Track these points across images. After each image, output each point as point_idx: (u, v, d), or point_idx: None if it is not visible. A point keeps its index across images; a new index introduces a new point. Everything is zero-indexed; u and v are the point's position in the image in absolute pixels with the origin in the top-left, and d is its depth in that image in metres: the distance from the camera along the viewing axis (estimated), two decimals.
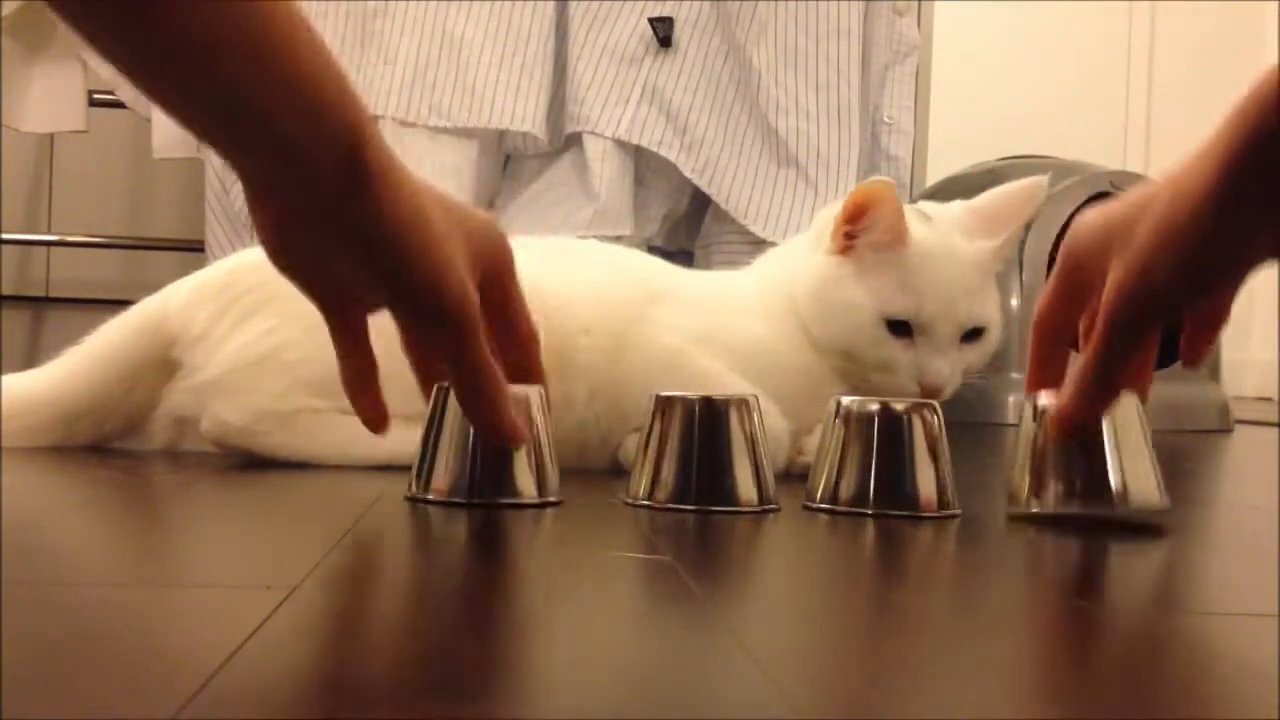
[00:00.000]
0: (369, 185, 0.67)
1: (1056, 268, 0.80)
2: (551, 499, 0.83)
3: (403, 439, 0.96)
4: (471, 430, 0.81)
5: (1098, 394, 0.77)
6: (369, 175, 0.67)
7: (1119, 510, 0.80)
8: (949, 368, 1.02)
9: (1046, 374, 0.82)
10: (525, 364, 0.82)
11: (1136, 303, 0.73)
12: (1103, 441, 0.80)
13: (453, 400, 0.83)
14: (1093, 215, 0.77)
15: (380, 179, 0.67)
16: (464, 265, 0.72)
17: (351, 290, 0.73)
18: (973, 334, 1.04)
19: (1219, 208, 0.67)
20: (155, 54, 0.61)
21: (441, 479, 0.82)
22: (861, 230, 1.02)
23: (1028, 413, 0.83)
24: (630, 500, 0.85)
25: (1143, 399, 0.81)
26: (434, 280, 0.71)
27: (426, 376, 0.81)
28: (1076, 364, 0.78)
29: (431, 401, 0.84)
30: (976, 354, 1.05)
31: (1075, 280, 0.78)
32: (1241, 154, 0.66)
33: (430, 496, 0.83)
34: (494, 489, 0.82)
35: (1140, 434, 0.81)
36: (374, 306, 0.75)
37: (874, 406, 0.84)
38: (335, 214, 0.67)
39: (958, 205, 1.09)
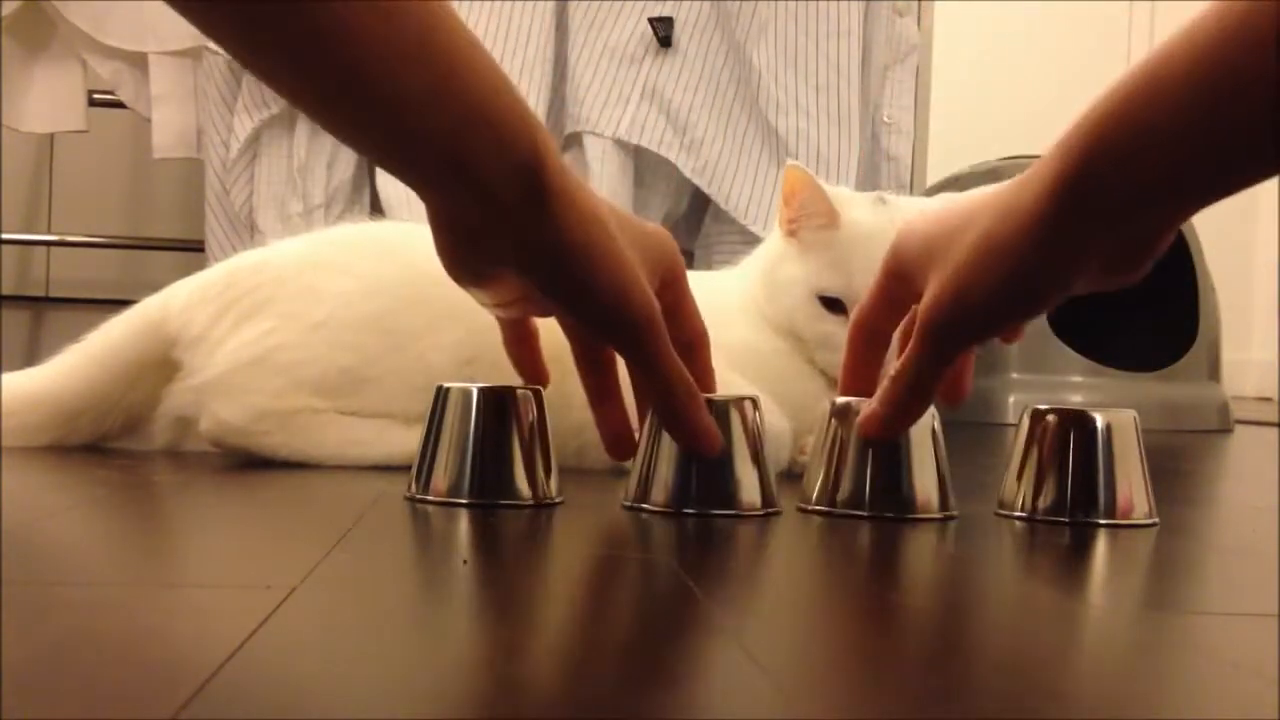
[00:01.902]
0: (550, 208, 0.67)
1: (880, 273, 0.79)
2: (551, 499, 0.83)
3: (402, 439, 0.97)
4: (473, 430, 0.82)
5: (909, 404, 0.77)
6: (550, 196, 0.66)
7: (1104, 522, 0.81)
8: None
9: (860, 376, 0.83)
10: (695, 369, 0.79)
11: (953, 319, 0.72)
12: (1097, 452, 0.81)
13: (452, 400, 0.83)
14: (918, 222, 0.76)
15: (560, 198, 0.67)
16: (645, 277, 0.72)
17: (526, 301, 0.75)
18: None
19: (1049, 230, 0.66)
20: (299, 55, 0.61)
21: (441, 479, 0.82)
22: (798, 214, 1.07)
23: (1025, 420, 0.84)
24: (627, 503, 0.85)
25: (952, 404, 0.81)
26: (619, 296, 0.70)
27: (599, 394, 0.81)
28: (890, 372, 0.77)
29: (431, 402, 0.84)
30: None
31: (896, 287, 0.77)
32: (1075, 178, 0.64)
33: (430, 497, 0.83)
34: (494, 489, 0.82)
35: (1135, 451, 0.83)
36: (546, 312, 0.77)
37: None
38: (518, 240, 0.68)
39: (938, 196, 1.12)
